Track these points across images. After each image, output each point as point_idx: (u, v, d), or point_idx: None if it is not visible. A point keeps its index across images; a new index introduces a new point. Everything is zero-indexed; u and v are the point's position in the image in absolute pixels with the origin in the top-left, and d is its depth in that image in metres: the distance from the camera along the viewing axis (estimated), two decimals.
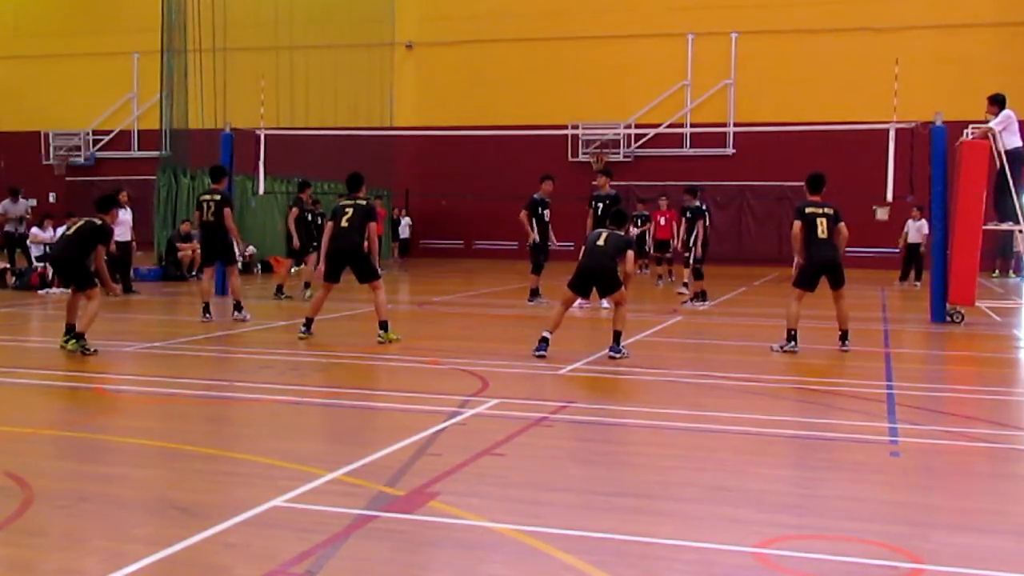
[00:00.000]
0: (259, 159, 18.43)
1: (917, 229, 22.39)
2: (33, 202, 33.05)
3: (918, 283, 22.00)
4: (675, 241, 21.75)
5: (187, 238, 21.59)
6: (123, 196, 18.36)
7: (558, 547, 4.53)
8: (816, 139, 25.82)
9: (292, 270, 25.63)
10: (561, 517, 5.06)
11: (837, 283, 11.29)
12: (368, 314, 12.99)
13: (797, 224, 11.28)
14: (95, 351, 10.15)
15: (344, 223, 11.53)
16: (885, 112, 17.38)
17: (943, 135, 14.73)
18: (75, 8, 36.84)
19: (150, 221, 23.52)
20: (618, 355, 10.30)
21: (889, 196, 15.80)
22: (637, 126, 32.19)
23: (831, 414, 7.85)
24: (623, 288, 10.56)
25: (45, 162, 37.08)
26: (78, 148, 37.07)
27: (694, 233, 17.17)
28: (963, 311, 14.32)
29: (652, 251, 22.52)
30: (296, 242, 17.27)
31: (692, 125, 31.96)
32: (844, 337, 11.30)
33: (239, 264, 14.40)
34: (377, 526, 4.82)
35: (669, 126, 32.14)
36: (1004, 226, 14.38)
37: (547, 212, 16.33)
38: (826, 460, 6.50)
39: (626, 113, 32.00)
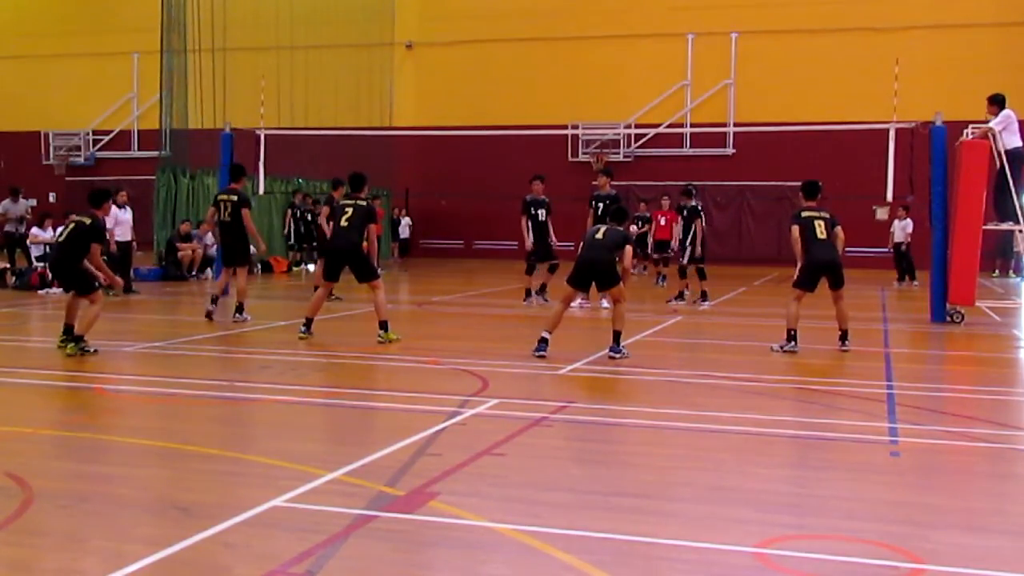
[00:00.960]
0: (259, 159, 18.42)
1: (902, 228, 22.50)
2: (33, 202, 33.06)
3: (916, 283, 22.03)
4: (674, 241, 21.85)
5: (187, 238, 21.60)
6: (123, 196, 18.38)
7: (558, 547, 4.53)
8: (816, 139, 25.85)
9: (292, 268, 25.69)
10: (561, 517, 5.06)
11: (837, 283, 11.30)
12: (368, 314, 12.99)
13: (796, 229, 11.33)
14: (95, 351, 10.15)
15: (343, 222, 11.55)
16: (885, 112, 17.39)
17: (943, 135, 14.73)
18: (75, 8, 36.82)
19: (150, 221, 23.52)
20: (618, 355, 10.30)
21: (889, 196, 15.80)
22: (637, 126, 32.18)
23: (831, 414, 7.85)
24: (622, 284, 10.56)
25: (45, 162, 37.06)
26: (78, 148, 37.06)
27: (691, 233, 17.18)
28: (963, 311, 14.32)
29: (652, 251, 22.51)
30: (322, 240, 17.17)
31: (692, 125, 31.96)
32: (844, 337, 11.31)
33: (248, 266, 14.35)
34: (377, 526, 4.82)
35: (669, 126, 32.13)
36: (1004, 226, 14.38)
37: (542, 212, 16.28)
38: (826, 460, 6.50)
39: (626, 113, 31.99)
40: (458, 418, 7.33)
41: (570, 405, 7.92)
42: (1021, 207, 13.82)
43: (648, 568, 4.41)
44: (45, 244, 18.93)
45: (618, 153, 32.28)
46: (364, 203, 11.84)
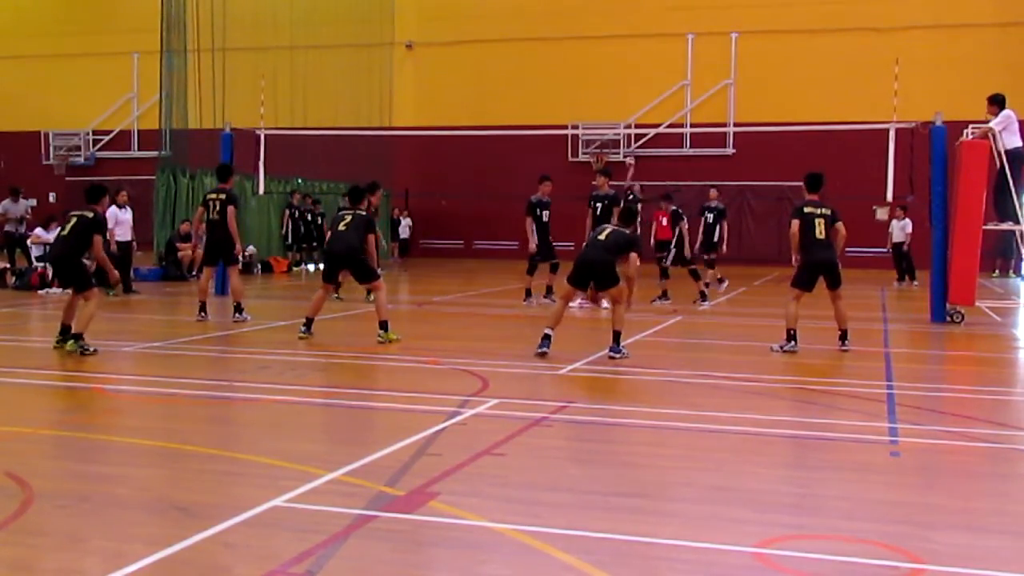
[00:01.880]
0: (259, 159, 18.43)
1: (901, 228, 22.54)
2: (33, 202, 33.05)
3: (916, 283, 22.06)
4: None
5: (187, 238, 21.60)
6: (123, 196, 18.39)
7: (558, 547, 4.53)
8: (816, 139, 25.82)
9: (292, 268, 25.69)
10: (561, 517, 5.06)
11: (834, 283, 11.30)
12: (368, 314, 13.00)
13: (795, 223, 11.32)
14: (95, 351, 10.15)
15: (342, 227, 11.64)
16: (885, 112, 17.39)
17: (943, 135, 14.73)
18: (75, 8, 36.83)
19: (150, 221, 23.53)
20: (618, 355, 10.30)
21: (889, 196, 15.80)
22: (637, 126, 32.18)
23: (831, 414, 7.85)
24: (621, 285, 10.56)
25: (45, 162, 37.07)
26: (78, 148, 37.07)
27: (675, 236, 17.31)
28: (963, 311, 14.32)
29: (655, 251, 22.54)
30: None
31: (692, 125, 31.96)
32: (844, 337, 11.31)
33: (239, 264, 14.35)
34: (377, 526, 4.82)
35: (669, 126, 32.14)
36: (1004, 226, 14.38)
37: (546, 213, 16.33)
38: (826, 460, 6.50)
39: (626, 113, 31.99)
40: (458, 418, 7.33)
41: (570, 405, 7.92)
42: (1021, 207, 13.82)
43: (648, 568, 4.41)
44: (46, 244, 18.93)
45: (618, 153, 32.22)
46: (363, 213, 11.92)
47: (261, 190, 19.86)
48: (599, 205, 15.76)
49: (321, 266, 26.59)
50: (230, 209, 13.53)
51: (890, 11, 29.97)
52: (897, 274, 23.05)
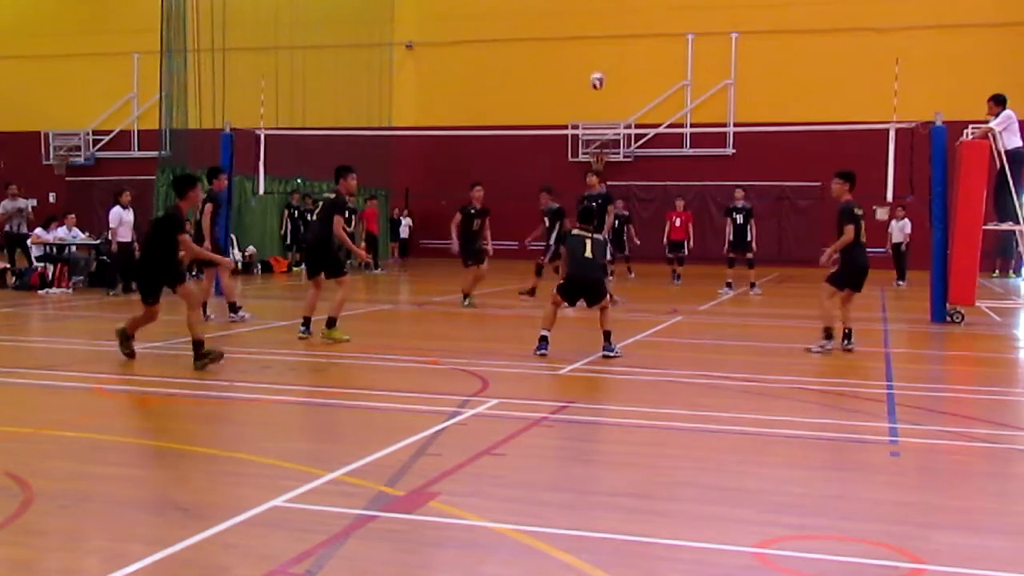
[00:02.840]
0: (259, 159, 18.43)
1: (900, 228, 22.58)
2: (34, 202, 32.97)
3: (902, 283, 22.19)
4: (689, 242, 22.58)
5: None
6: (126, 196, 18.41)
7: (558, 547, 4.53)
8: (816, 139, 25.82)
9: (292, 268, 25.70)
10: (561, 517, 5.06)
11: (861, 286, 11.44)
12: (368, 314, 13.03)
13: (851, 229, 11.14)
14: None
15: (312, 218, 11.59)
16: (885, 112, 17.39)
17: (943, 135, 14.73)
18: (75, 8, 36.83)
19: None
20: (612, 354, 10.35)
21: (889, 196, 15.80)
22: (637, 126, 32.18)
23: (831, 414, 7.85)
24: (608, 296, 10.87)
25: (45, 162, 37.07)
26: (78, 148, 37.07)
27: (554, 233, 17.31)
28: (963, 311, 14.32)
29: (667, 252, 23.04)
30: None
31: (692, 125, 31.96)
32: (848, 336, 11.30)
33: (236, 265, 14.37)
34: (377, 526, 4.82)
35: (669, 126, 32.13)
36: (1004, 226, 14.39)
37: (477, 221, 16.38)
38: (826, 460, 6.50)
39: (626, 113, 31.99)
40: (458, 418, 7.33)
41: (570, 405, 7.92)
42: (1021, 207, 13.83)
43: (648, 568, 4.41)
44: (46, 244, 18.94)
45: (618, 153, 32.28)
46: (331, 195, 11.89)
47: (261, 190, 19.86)
48: (593, 205, 15.63)
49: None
50: (207, 208, 13.44)
51: (890, 11, 29.97)
52: (897, 274, 23.09)
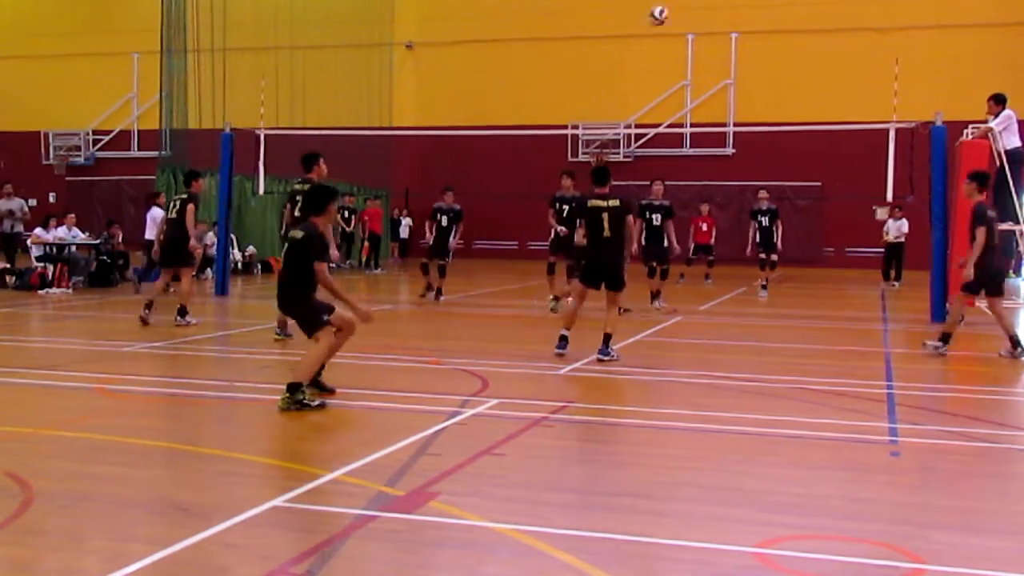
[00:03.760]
0: (259, 159, 18.43)
1: (897, 227, 22.60)
2: (33, 202, 33.00)
3: (897, 283, 22.22)
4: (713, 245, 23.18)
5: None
6: (163, 198, 19.10)
7: (558, 547, 4.53)
8: (816, 139, 25.84)
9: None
10: (561, 517, 5.06)
11: (1000, 290, 11.27)
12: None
13: (983, 231, 10.79)
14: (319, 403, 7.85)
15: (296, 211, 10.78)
16: (885, 112, 17.38)
17: (943, 135, 14.73)
18: (75, 8, 36.83)
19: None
20: (607, 358, 10.14)
21: (889, 196, 15.80)
22: (637, 126, 32.18)
23: (831, 414, 7.85)
24: (623, 289, 10.53)
25: (45, 162, 37.07)
26: (78, 148, 37.06)
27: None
28: (963, 311, 14.30)
29: (691, 254, 23.49)
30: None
31: (692, 125, 31.96)
32: (1017, 343, 10.92)
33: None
34: (377, 526, 4.82)
35: (669, 126, 32.14)
36: (1004, 226, 14.37)
37: (445, 218, 16.48)
38: (826, 460, 6.50)
39: (626, 113, 31.99)
40: (458, 418, 7.33)
41: (570, 405, 7.92)
42: (1021, 207, 13.82)
43: (648, 568, 4.41)
44: (46, 244, 18.95)
45: (618, 153, 32.26)
46: (307, 187, 10.30)
47: (261, 190, 19.86)
48: (566, 208, 14.99)
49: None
50: (189, 208, 13.18)
51: (890, 11, 29.98)
52: (883, 273, 23.18)
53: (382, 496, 5.28)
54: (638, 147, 32.39)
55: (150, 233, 18.49)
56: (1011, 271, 27.06)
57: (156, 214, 18.34)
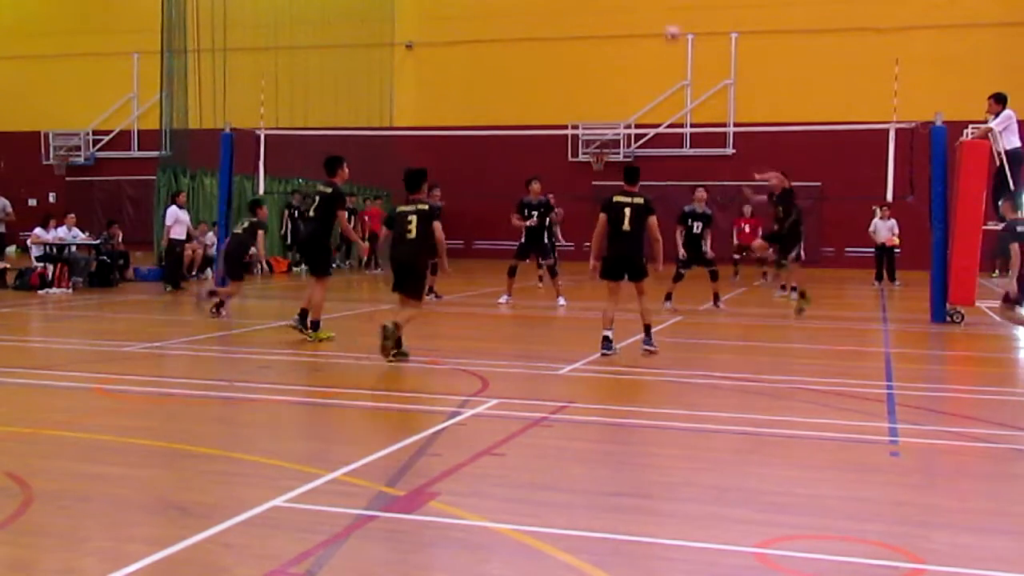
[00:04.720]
0: (259, 159, 18.44)
1: (888, 228, 22.51)
2: (33, 202, 32.98)
3: (895, 283, 22.19)
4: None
5: (187, 238, 21.58)
6: (182, 198, 19.42)
7: (558, 547, 4.53)
8: (816, 139, 25.83)
9: (292, 268, 25.71)
10: (561, 517, 5.06)
11: None
12: (369, 314, 13.01)
13: None
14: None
15: (310, 213, 11.77)
16: (885, 112, 17.38)
17: (943, 135, 14.73)
18: (75, 8, 36.82)
19: (150, 221, 23.51)
20: (652, 348, 10.56)
21: (889, 196, 15.80)
22: (637, 126, 32.18)
23: (831, 414, 7.85)
24: (649, 278, 10.86)
25: (45, 162, 37.06)
26: (78, 148, 37.05)
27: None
28: (963, 311, 14.31)
29: (735, 254, 23.37)
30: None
31: (692, 125, 31.96)
32: None
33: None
34: (377, 526, 4.82)
35: (669, 126, 32.13)
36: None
37: (535, 213, 16.47)
38: (826, 460, 6.50)
39: (626, 113, 31.99)
40: (458, 418, 7.32)
41: (570, 405, 7.92)
42: (1021, 207, 13.82)
43: (648, 568, 4.41)
44: (45, 244, 18.95)
45: (618, 153, 32.27)
46: (329, 189, 11.68)
47: (261, 190, 19.85)
48: (535, 213, 16.24)
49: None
50: (260, 234, 14.62)
51: (890, 11, 29.98)
52: (876, 273, 23.08)
53: (382, 496, 5.28)
54: (638, 147, 32.38)
55: (177, 232, 18.89)
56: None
57: (175, 213, 18.85)
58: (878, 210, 23.10)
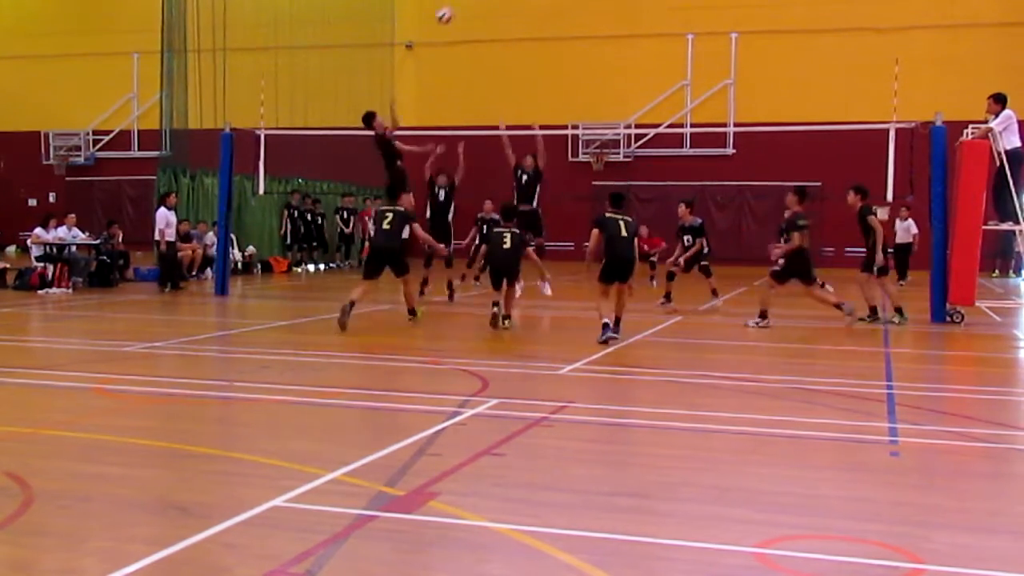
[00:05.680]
0: (259, 159, 18.44)
1: (905, 229, 22.47)
2: (34, 202, 33.02)
3: (903, 282, 22.16)
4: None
5: (186, 238, 21.60)
6: (172, 199, 19.44)
7: (558, 547, 4.53)
8: (816, 139, 25.82)
9: (292, 268, 25.71)
10: (561, 517, 5.06)
11: None
12: (368, 314, 12.99)
13: None
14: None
15: (385, 225, 13.12)
16: (885, 112, 17.38)
17: (943, 135, 14.73)
18: (75, 8, 36.82)
19: (150, 221, 23.49)
20: (615, 336, 11.44)
21: (889, 196, 15.79)
22: (637, 126, 32.16)
23: (831, 414, 7.85)
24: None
25: (45, 162, 37.06)
26: (78, 148, 37.05)
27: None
28: (963, 311, 14.31)
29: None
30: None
31: (692, 125, 31.95)
32: None
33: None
34: (377, 526, 4.82)
35: (669, 126, 32.12)
36: (1004, 226, 14.38)
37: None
38: (826, 460, 6.50)
39: (626, 113, 31.98)
40: (458, 418, 7.33)
41: (570, 405, 7.92)
42: (1021, 207, 13.82)
43: (648, 568, 4.41)
44: (46, 244, 18.95)
45: (618, 153, 32.27)
46: (402, 209, 13.47)
47: (261, 190, 19.87)
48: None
49: (322, 267, 26.84)
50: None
51: (890, 11, 29.97)
52: (898, 273, 23.03)
53: (382, 496, 5.28)
54: (638, 147, 32.38)
55: (169, 234, 19.00)
56: (1011, 271, 27.10)
57: (165, 215, 18.88)
58: (878, 210, 23.04)
